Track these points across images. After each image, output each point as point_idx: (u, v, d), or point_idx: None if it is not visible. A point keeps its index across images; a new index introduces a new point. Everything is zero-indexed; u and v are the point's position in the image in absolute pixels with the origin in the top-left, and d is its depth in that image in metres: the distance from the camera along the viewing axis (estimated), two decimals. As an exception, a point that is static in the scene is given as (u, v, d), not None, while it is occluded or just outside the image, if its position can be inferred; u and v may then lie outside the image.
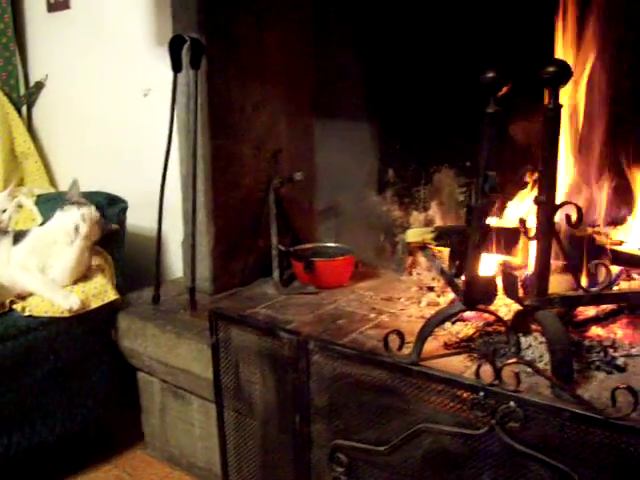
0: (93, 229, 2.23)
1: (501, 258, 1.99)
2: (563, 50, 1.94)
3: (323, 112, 2.56)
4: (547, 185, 1.51)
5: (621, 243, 1.84)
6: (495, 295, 1.59)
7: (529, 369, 1.54)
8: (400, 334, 1.48)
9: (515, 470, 1.36)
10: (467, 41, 2.13)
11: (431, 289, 2.20)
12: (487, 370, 1.36)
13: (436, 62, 2.22)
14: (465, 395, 1.38)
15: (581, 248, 1.78)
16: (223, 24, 2.24)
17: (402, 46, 2.31)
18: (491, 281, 1.57)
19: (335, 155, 2.54)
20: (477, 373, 1.36)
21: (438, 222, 2.36)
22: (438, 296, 2.14)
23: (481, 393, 1.34)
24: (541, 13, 1.98)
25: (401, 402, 1.50)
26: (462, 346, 1.74)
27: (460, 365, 1.65)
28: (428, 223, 2.37)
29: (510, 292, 1.63)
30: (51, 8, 3.02)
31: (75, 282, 2.21)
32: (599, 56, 1.94)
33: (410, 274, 2.39)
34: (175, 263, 2.69)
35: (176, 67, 2.18)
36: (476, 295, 1.57)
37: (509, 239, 1.95)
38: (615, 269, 1.82)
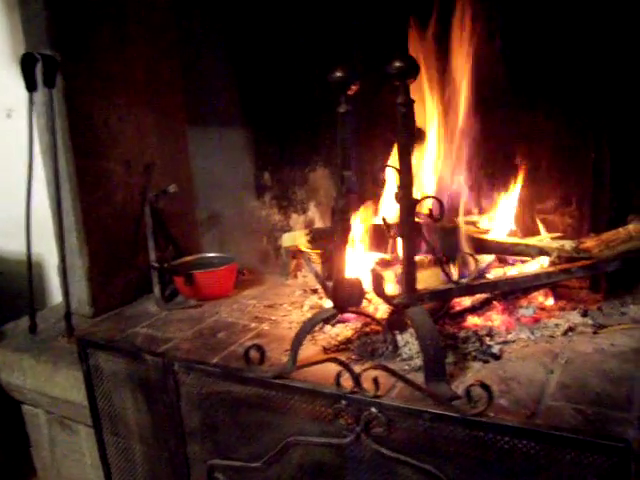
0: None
1: (377, 256, 1.98)
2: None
3: (196, 119, 2.50)
4: (404, 180, 1.50)
5: (487, 232, 1.85)
6: (362, 296, 1.57)
7: (405, 367, 1.53)
8: (260, 348, 1.44)
9: (387, 475, 1.34)
10: (334, 42, 2.12)
11: (315, 292, 2.17)
12: (348, 378, 1.34)
13: (303, 63, 2.20)
14: (329, 404, 1.35)
15: (449, 240, 1.78)
16: (80, 38, 2.14)
17: (270, 49, 2.28)
18: (356, 282, 1.55)
19: (212, 162, 2.49)
20: (337, 381, 1.34)
21: (318, 223, 2.34)
22: (321, 298, 2.10)
23: (343, 401, 1.31)
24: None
25: (271, 416, 1.47)
26: (340, 349, 1.71)
27: (337, 370, 1.61)
28: (308, 225, 2.34)
29: (378, 291, 1.61)
30: None
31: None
32: (464, 45, 1.95)
33: (295, 277, 2.35)
34: (55, 288, 2.59)
35: (30, 86, 2.09)
36: (343, 297, 1.54)
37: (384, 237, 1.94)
38: (487, 258, 1.83)
